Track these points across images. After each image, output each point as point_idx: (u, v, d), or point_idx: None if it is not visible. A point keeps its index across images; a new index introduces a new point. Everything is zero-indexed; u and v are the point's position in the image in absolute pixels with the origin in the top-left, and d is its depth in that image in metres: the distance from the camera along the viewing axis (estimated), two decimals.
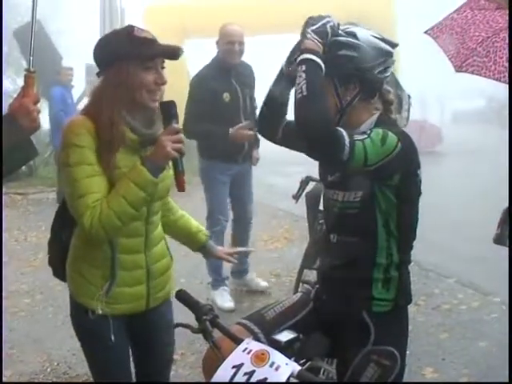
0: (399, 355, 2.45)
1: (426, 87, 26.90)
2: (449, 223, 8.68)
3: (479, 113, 30.47)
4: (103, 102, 2.45)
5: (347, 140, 2.21)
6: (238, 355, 1.98)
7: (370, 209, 2.39)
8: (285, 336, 2.26)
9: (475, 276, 6.48)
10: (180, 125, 2.51)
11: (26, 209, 10.61)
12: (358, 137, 2.26)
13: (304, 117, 2.25)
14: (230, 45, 5.49)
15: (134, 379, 2.86)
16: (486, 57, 4.03)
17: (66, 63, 13.47)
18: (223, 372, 1.95)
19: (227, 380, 1.91)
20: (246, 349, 2.00)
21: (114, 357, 2.70)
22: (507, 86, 3.88)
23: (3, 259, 6.89)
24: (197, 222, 3.03)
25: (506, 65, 3.90)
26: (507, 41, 3.94)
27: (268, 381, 1.87)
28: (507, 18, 4.00)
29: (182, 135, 2.44)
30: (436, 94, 30.40)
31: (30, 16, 2.37)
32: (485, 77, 4.07)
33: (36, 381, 4.50)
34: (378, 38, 2.39)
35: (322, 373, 2.73)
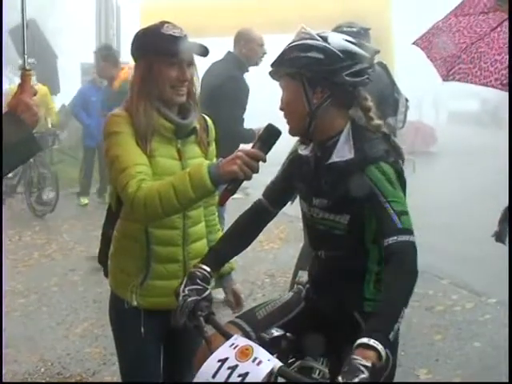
0: (390, 355, 2.45)
1: (421, 88, 26.95)
2: (443, 224, 8.69)
3: (474, 114, 30.47)
4: (135, 95, 2.58)
5: (405, 237, 2.17)
6: (224, 350, 2.04)
7: (360, 229, 2.37)
8: (270, 333, 2.29)
9: (469, 277, 6.49)
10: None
11: (20, 208, 10.58)
12: (389, 216, 2.20)
13: None
14: (261, 48, 5.72)
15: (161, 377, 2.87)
16: (471, 63, 4.03)
17: (62, 62, 13.47)
18: (208, 366, 2.00)
19: (212, 373, 1.97)
20: (232, 344, 2.05)
21: (144, 352, 2.72)
22: (502, 87, 3.89)
23: None
24: None
25: (492, 69, 3.90)
26: (491, 45, 3.95)
27: (249, 375, 1.92)
28: (490, 22, 4.01)
29: (257, 165, 2.30)
30: (431, 94, 30.47)
31: (27, 16, 2.41)
32: (472, 83, 4.08)
33: (30, 381, 4.50)
34: (351, 43, 2.38)
35: (316, 373, 2.72)
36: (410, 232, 2.20)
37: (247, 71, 5.77)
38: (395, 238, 2.17)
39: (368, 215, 2.33)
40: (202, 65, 6.04)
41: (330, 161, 2.39)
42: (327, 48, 2.32)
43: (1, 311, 4.29)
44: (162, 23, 2.59)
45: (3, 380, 3.74)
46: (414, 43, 4.40)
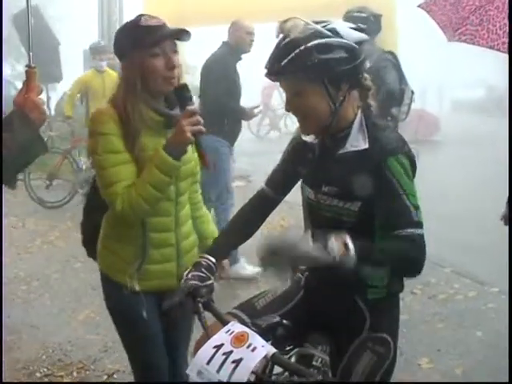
0: (393, 342, 2.45)
1: (426, 76, 26.85)
2: (446, 212, 8.67)
3: (479, 102, 30.32)
4: (123, 90, 2.61)
5: (418, 230, 2.22)
6: (220, 336, 2.09)
7: (369, 216, 2.34)
8: (265, 320, 2.31)
9: (472, 265, 6.49)
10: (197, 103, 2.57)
11: (24, 195, 10.57)
12: (407, 208, 2.23)
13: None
14: (249, 36, 6.20)
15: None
16: (480, 25, 4.00)
17: (64, 49, 13.42)
18: (204, 352, 2.05)
19: (207, 359, 2.01)
20: (228, 330, 2.10)
21: (148, 333, 2.82)
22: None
23: None
24: (214, 228, 3.09)
25: (500, 32, 3.88)
26: (501, 9, 3.92)
27: (243, 361, 1.97)
28: None
29: (199, 116, 2.54)
30: (435, 83, 30.32)
31: (30, 2, 2.42)
32: (478, 45, 4.04)
33: (31, 368, 4.51)
34: (355, 29, 2.32)
35: (316, 360, 2.72)
36: (422, 226, 2.23)
37: (240, 59, 6.25)
38: (411, 230, 2.21)
39: (379, 205, 2.31)
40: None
41: (344, 150, 2.37)
42: (346, 44, 2.25)
43: (0, 314, 4.29)
44: (140, 16, 2.61)
45: (3, 380, 3.76)
46: (419, 6, 4.36)
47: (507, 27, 3.85)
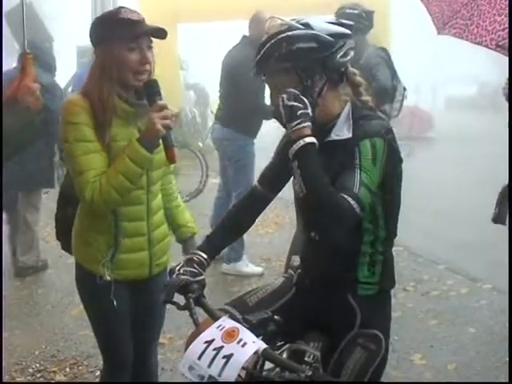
0: (384, 339, 2.46)
1: (420, 73, 26.90)
2: (439, 209, 8.69)
3: (472, 99, 30.42)
4: (95, 80, 2.64)
5: (353, 202, 2.17)
6: (211, 331, 2.10)
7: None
8: (256, 316, 2.32)
9: (465, 262, 6.50)
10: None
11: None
12: (354, 179, 2.21)
13: (312, 211, 2.30)
14: None
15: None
16: (470, 19, 3.96)
17: (58, 46, 13.38)
18: (195, 347, 2.06)
19: (198, 354, 2.03)
20: (219, 326, 2.11)
21: (116, 320, 2.89)
22: (495, 48, 3.82)
23: None
24: (189, 216, 3.14)
25: (489, 28, 3.85)
26: (493, 4, 3.90)
27: (233, 357, 1.98)
28: None
29: (169, 111, 2.58)
30: (429, 80, 30.37)
31: None
32: (466, 40, 4.01)
33: (24, 364, 4.51)
34: (333, 23, 2.36)
35: (308, 356, 2.72)
36: (359, 202, 2.19)
37: None
38: (345, 196, 2.18)
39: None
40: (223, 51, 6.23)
41: (328, 139, 2.37)
42: (317, 35, 2.28)
43: (0, 314, 4.30)
44: (120, 8, 2.64)
45: (3, 380, 3.76)
46: None
47: (497, 23, 3.83)
